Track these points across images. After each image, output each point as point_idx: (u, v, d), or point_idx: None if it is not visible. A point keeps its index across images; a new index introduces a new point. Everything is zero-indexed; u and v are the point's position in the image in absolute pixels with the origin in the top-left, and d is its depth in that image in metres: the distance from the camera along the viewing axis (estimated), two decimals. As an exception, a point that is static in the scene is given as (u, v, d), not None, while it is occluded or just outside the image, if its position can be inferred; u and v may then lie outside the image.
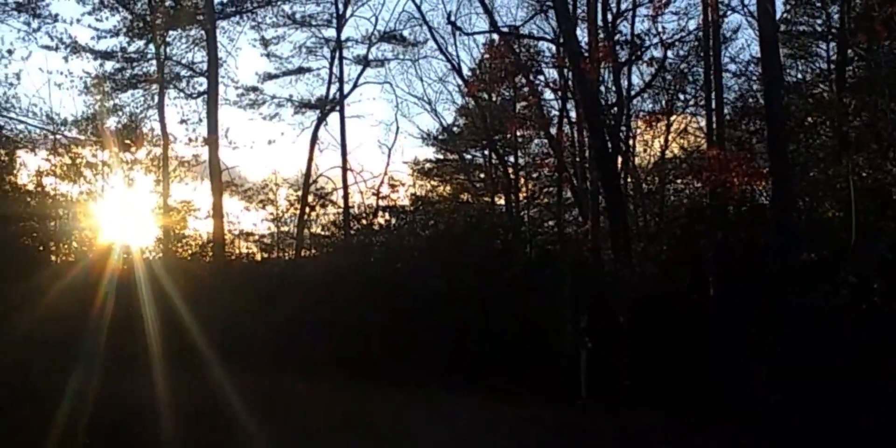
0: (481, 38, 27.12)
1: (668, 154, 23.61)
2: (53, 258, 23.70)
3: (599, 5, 19.52)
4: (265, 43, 27.47)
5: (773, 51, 15.14)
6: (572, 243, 21.16)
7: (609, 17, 19.57)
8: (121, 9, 25.20)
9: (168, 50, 26.18)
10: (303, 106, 28.54)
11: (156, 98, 26.33)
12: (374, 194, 28.04)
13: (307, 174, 27.51)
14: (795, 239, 13.97)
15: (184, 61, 26.46)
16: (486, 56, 25.35)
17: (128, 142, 25.75)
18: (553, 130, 22.99)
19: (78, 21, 24.61)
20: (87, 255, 23.60)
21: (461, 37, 25.79)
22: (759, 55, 18.41)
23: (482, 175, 30.91)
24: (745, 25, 27.91)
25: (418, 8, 26.30)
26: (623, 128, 20.16)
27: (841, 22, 20.62)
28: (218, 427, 11.68)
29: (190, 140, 26.41)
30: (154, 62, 26.12)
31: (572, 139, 22.86)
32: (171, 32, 25.77)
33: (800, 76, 22.57)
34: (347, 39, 27.82)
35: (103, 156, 25.82)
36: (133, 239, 24.55)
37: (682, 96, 22.42)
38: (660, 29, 18.79)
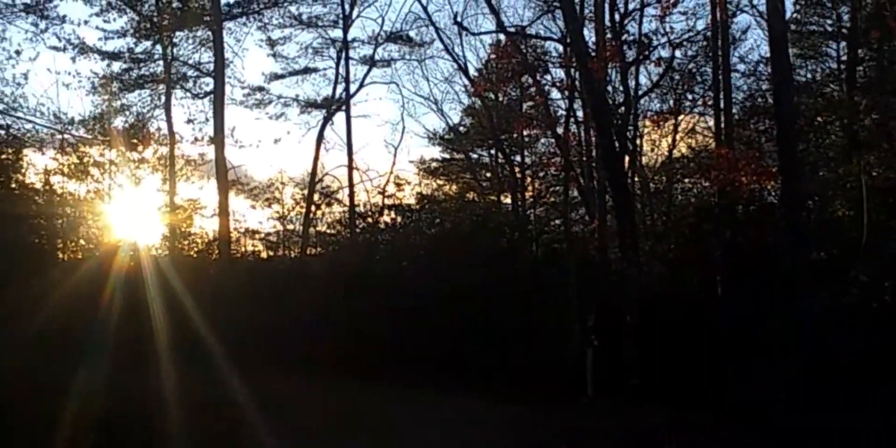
0: (488, 39, 27.09)
1: (676, 153, 23.52)
2: (61, 256, 23.78)
3: (607, 5, 19.40)
4: (272, 43, 27.47)
5: (782, 50, 15.07)
6: (579, 242, 21.05)
7: (616, 16, 19.42)
8: (128, 10, 25.20)
9: (175, 50, 26.21)
10: (309, 106, 28.53)
11: (162, 98, 26.35)
12: (379, 193, 27.99)
13: (313, 173, 27.48)
14: (805, 238, 13.88)
15: (190, 62, 26.51)
16: (493, 56, 25.28)
17: (135, 141, 25.81)
18: (560, 130, 22.89)
19: (86, 22, 24.68)
20: (94, 253, 23.69)
21: (467, 37, 25.72)
22: (768, 55, 18.36)
23: (488, 174, 30.83)
24: (754, 25, 27.86)
25: (424, 8, 26.22)
26: (630, 127, 20.03)
27: (851, 21, 20.53)
28: (222, 422, 11.68)
29: (196, 139, 26.46)
30: (161, 63, 26.14)
31: (579, 138, 22.77)
32: (177, 33, 25.79)
33: (809, 76, 22.47)
34: (354, 40, 27.82)
35: (110, 155, 25.92)
36: (140, 237, 24.64)
37: (690, 96, 22.33)
38: (668, 29, 18.57)
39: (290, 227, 30.82)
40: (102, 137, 25.43)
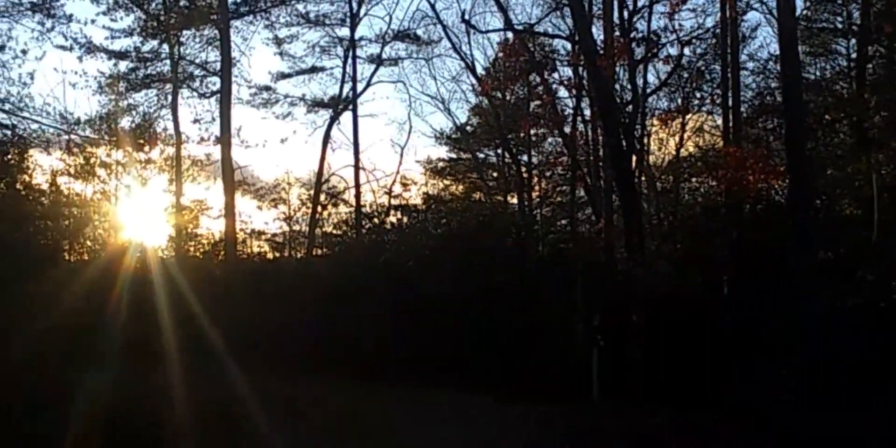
0: (495, 37, 27.01)
1: (684, 152, 23.39)
2: (68, 257, 23.80)
3: (615, 2, 19.31)
4: (279, 42, 27.50)
5: (792, 48, 14.95)
6: (585, 242, 20.98)
7: (625, 14, 19.33)
8: (135, 9, 25.23)
9: (182, 49, 26.27)
10: (316, 105, 28.56)
11: (169, 97, 26.43)
12: (386, 193, 28.02)
13: (319, 173, 27.50)
14: (812, 238, 13.75)
15: (197, 61, 26.55)
16: (501, 54, 25.18)
17: (141, 141, 25.82)
18: (567, 129, 22.79)
19: (92, 21, 24.71)
20: (101, 254, 23.70)
21: (475, 35, 25.73)
22: (777, 53, 18.23)
23: (495, 174, 30.79)
24: (764, 23, 27.67)
25: (432, 6, 26.25)
26: (638, 126, 19.94)
27: (862, 19, 20.36)
28: (228, 421, 11.66)
29: (202, 139, 26.47)
30: (168, 62, 26.21)
31: (586, 137, 22.64)
32: (184, 32, 25.81)
33: (819, 74, 22.31)
34: (361, 38, 27.83)
35: (117, 155, 25.94)
36: (146, 238, 24.67)
37: (698, 94, 22.19)
38: (676, 26, 18.52)
39: (296, 227, 30.87)
40: (109, 138, 25.44)
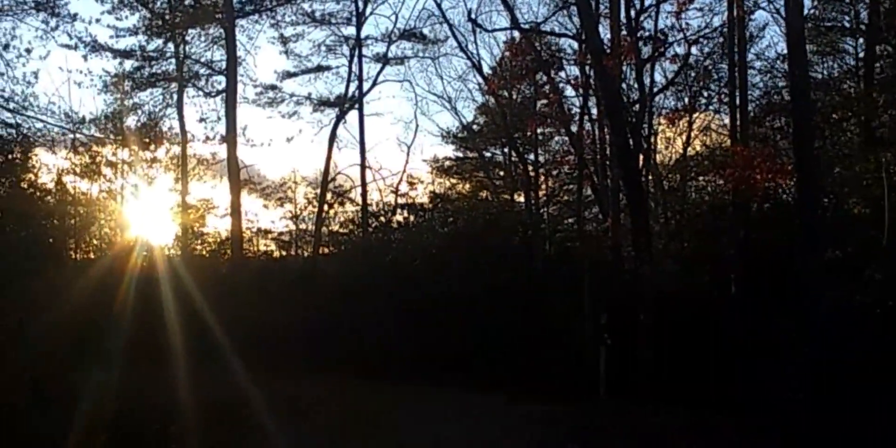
0: (502, 36, 26.98)
1: (691, 151, 23.28)
2: (74, 256, 23.84)
3: (622, 1, 19.26)
4: (284, 41, 27.42)
5: (800, 47, 14.88)
6: (592, 241, 20.91)
7: (632, 13, 19.25)
8: (140, 7, 25.21)
9: (187, 48, 26.23)
10: (321, 104, 28.48)
11: (174, 96, 26.37)
12: (392, 192, 27.97)
13: (325, 172, 27.44)
14: (820, 237, 13.68)
15: (203, 60, 26.51)
16: (507, 53, 25.09)
17: (147, 140, 25.81)
18: (574, 128, 22.72)
19: (97, 20, 24.64)
20: (107, 253, 23.74)
21: (482, 34, 25.57)
22: (785, 52, 18.14)
23: (502, 173, 30.68)
24: (771, 22, 27.50)
25: (438, 5, 25.88)
26: (645, 125, 19.85)
27: (870, 17, 20.26)
28: (233, 419, 11.67)
29: (208, 138, 26.44)
30: (173, 61, 26.16)
31: (593, 136, 22.57)
32: (190, 31, 25.78)
33: (826, 73, 22.19)
34: (367, 37, 27.76)
35: (123, 154, 25.95)
36: (153, 236, 24.68)
37: (705, 93, 22.09)
38: (684, 25, 18.37)
39: (303, 226, 30.81)
40: (115, 136, 25.45)
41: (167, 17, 25.34)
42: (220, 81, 25.80)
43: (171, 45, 26.02)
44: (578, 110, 22.95)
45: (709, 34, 19.97)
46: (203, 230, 27.60)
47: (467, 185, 31.48)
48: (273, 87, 28.07)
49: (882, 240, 14.21)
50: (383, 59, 27.78)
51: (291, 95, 28.36)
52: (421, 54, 28.54)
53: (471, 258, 18.48)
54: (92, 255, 23.90)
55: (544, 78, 23.77)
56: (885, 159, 16.30)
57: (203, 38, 26.19)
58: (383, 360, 16.66)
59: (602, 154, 21.68)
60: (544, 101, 26.08)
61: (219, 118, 25.89)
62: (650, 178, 21.01)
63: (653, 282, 15.03)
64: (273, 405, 12.53)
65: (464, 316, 17.00)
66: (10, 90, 21.13)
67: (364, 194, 26.99)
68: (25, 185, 20.74)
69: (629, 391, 13.74)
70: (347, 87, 27.68)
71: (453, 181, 31.77)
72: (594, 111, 22.02)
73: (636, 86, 19.40)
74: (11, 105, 21.00)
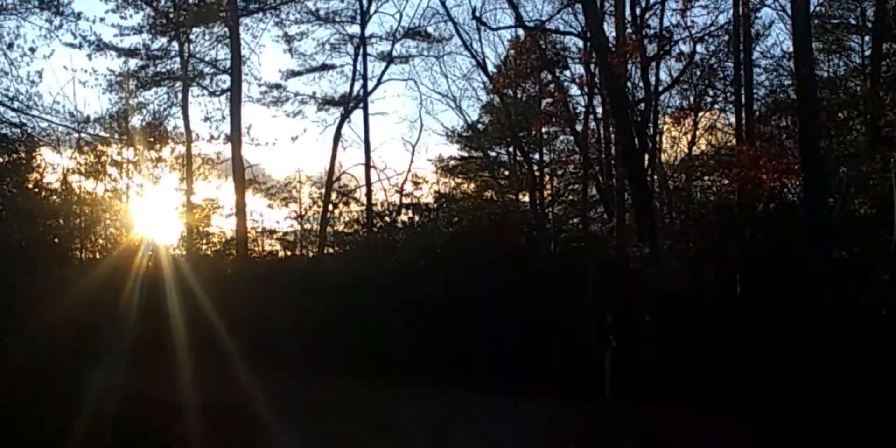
0: (507, 34, 26.79)
1: (696, 151, 23.21)
2: (79, 255, 23.84)
3: (628, -1, 19.23)
4: (288, 39, 27.35)
5: (806, 45, 14.82)
6: (597, 241, 20.90)
7: (637, 10, 19.18)
8: (144, 6, 25.19)
9: (191, 47, 26.20)
10: (326, 103, 28.44)
11: (179, 96, 26.38)
12: (397, 192, 27.92)
13: (330, 171, 27.42)
14: (826, 237, 13.62)
15: (207, 59, 26.46)
16: (512, 52, 25.03)
17: (152, 139, 25.80)
18: (579, 127, 22.66)
19: (101, 19, 24.52)
20: (112, 252, 23.73)
21: (486, 32, 25.59)
22: (791, 50, 18.06)
23: (506, 172, 30.60)
24: (777, 20, 27.41)
25: (443, 4, 25.96)
26: (650, 124, 19.81)
27: (876, 15, 20.15)
28: (239, 420, 11.67)
29: (212, 137, 26.36)
30: (177, 60, 26.16)
31: (598, 135, 22.49)
32: (194, 30, 25.74)
33: (833, 71, 22.10)
34: (371, 36, 27.70)
35: (128, 154, 25.93)
36: (158, 236, 24.66)
37: (710, 92, 22.01)
38: (689, 23, 18.30)
39: (308, 226, 30.78)
40: (120, 136, 25.44)
41: (171, 15, 25.30)
42: (225, 80, 25.79)
43: (175, 44, 26.00)
44: (583, 109, 22.88)
45: (714, 32, 19.88)
46: (208, 230, 27.59)
47: (472, 185, 31.43)
48: (277, 86, 28.05)
49: (889, 240, 14.13)
50: (388, 58, 27.72)
51: (296, 94, 28.32)
52: (425, 53, 28.48)
53: (476, 258, 18.44)
54: (97, 255, 23.86)
55: (549, 76, 23.72)
56: (892, 158, 16.19)
57: (207, 37, 26.18)
58: (388, 360, 16.65)
59: (607, 153, 21.61)
60: (549, 100, 26.02)
61: (223, 117, 25.86)
62: (655, 177, 20.97)
63: (658, 282, 14.99)
64: (277, 405, 12.51)
65: (468, 316, 16.98)
66: (15, 89, 21.04)
67: (369, 194, 26.96)
68: (30, 185, 20.71)
69: (633, 391, 13.71)
70: (352, 85, 27.67)
71: (458, 181, 31.72)
72: (599, 110, 21.95)
73: (641, 84, 19.37)
74: (16, 104, 20.94)
